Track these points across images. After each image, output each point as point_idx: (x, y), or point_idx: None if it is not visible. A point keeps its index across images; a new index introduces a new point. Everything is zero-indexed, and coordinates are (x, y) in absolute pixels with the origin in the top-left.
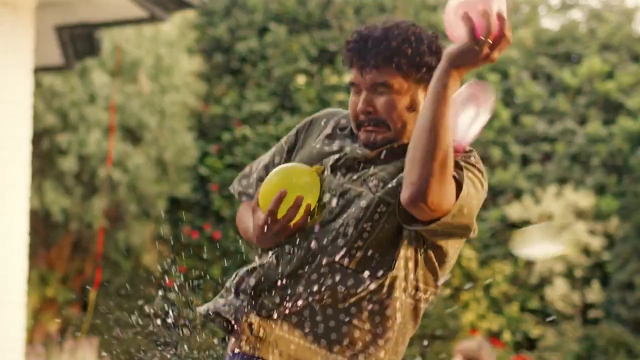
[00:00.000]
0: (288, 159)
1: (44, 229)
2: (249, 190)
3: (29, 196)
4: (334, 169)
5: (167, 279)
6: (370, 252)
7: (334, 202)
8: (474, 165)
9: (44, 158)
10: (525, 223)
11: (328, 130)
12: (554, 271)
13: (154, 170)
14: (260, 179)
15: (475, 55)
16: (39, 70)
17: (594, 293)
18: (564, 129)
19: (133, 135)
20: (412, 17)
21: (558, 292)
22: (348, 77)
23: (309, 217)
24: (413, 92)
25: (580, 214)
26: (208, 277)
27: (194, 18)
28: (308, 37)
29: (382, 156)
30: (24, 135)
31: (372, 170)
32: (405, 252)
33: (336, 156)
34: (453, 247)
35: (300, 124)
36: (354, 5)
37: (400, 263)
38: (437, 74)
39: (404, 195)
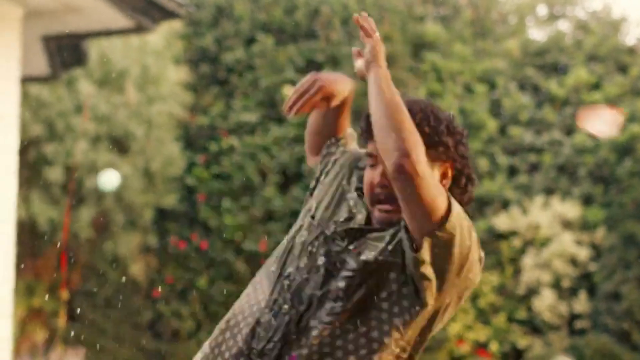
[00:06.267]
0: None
1: (30, 239)
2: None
3: (16, 206)
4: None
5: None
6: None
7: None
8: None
9: (31, 168)
10: (513, 234)
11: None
12: (541, 282)
13: (140, 180)
14: None
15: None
16: (26, 80)
17: (581, 303)
18: (551, 140)
19: (120, 145)
20: (399, 28)
21: (545, 302)
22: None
23: None
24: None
25: (567, 225)
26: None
27: (180, 28)
28: (295, 47)
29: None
30: (11, 145)
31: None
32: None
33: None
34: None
35: (349, 155)
36: (341, 16)
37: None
38: (374, 80)
39: (391, 166)
